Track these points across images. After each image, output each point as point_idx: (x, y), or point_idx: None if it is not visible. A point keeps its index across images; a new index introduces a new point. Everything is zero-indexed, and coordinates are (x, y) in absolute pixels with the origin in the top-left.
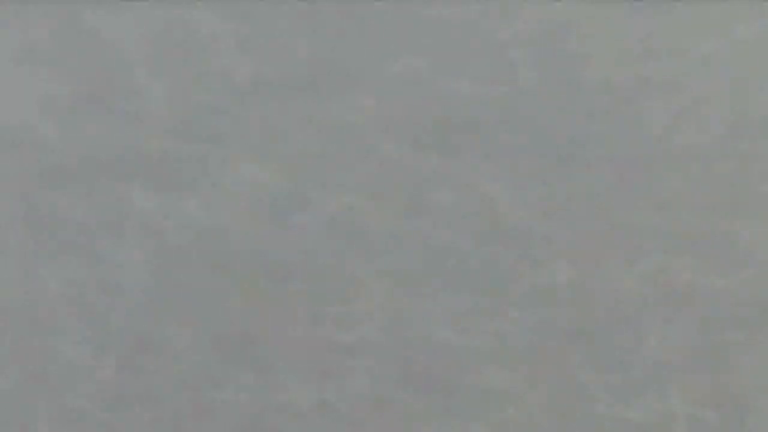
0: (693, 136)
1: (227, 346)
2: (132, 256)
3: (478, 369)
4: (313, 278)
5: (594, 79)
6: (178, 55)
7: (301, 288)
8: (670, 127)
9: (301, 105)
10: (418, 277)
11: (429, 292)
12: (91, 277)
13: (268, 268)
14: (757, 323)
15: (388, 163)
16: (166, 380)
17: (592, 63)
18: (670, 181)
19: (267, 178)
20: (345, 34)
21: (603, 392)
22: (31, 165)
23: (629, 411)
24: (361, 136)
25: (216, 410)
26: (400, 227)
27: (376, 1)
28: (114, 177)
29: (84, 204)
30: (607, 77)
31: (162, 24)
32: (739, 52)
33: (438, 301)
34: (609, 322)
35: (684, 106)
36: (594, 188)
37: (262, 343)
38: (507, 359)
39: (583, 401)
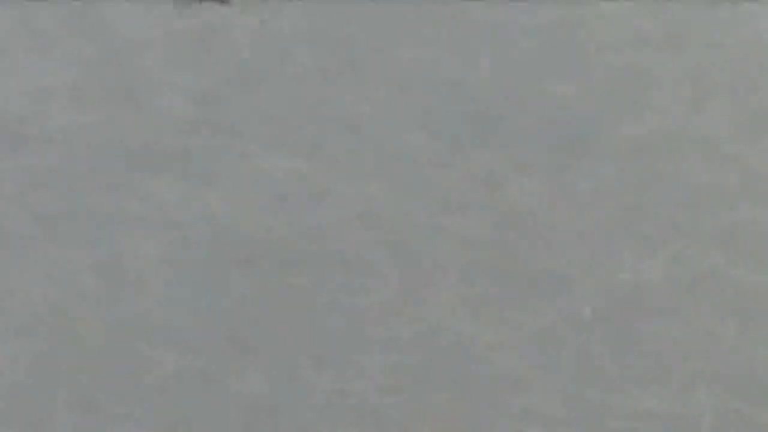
0: (713, 125)
1: (244, 336)
2: (150, 247)
3: (496, 358)
4: (330, 269)
5: (610, 69)
6: (194, 47)
7: (319, 278)
8: (689, 116)
9: (320, 96)
10: (433, 267)
11: (444, 281)
12: (108, 268)
13: (286, 258)
14: None
15: (406, 153)
16: (182, 370)
17: (608, 53)
18: (691, 169)
19: (286, 169)
20: (362, 25)
21: (625, 381)
22: (50, 157)
23: (652, 401)
24: (378, 126)
25: (232, 401)
26: (416, 217)
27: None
28: (132, 168)
29: (102, 195)
30: (622, 67)
31: (179, 16)
32: (760, 43)
33: (454, 291)
34: (629, 311)
35: (704, 94)
36: (613, 177)
37: (278, 333)
38: (525, 348)
39: (604, 390)
